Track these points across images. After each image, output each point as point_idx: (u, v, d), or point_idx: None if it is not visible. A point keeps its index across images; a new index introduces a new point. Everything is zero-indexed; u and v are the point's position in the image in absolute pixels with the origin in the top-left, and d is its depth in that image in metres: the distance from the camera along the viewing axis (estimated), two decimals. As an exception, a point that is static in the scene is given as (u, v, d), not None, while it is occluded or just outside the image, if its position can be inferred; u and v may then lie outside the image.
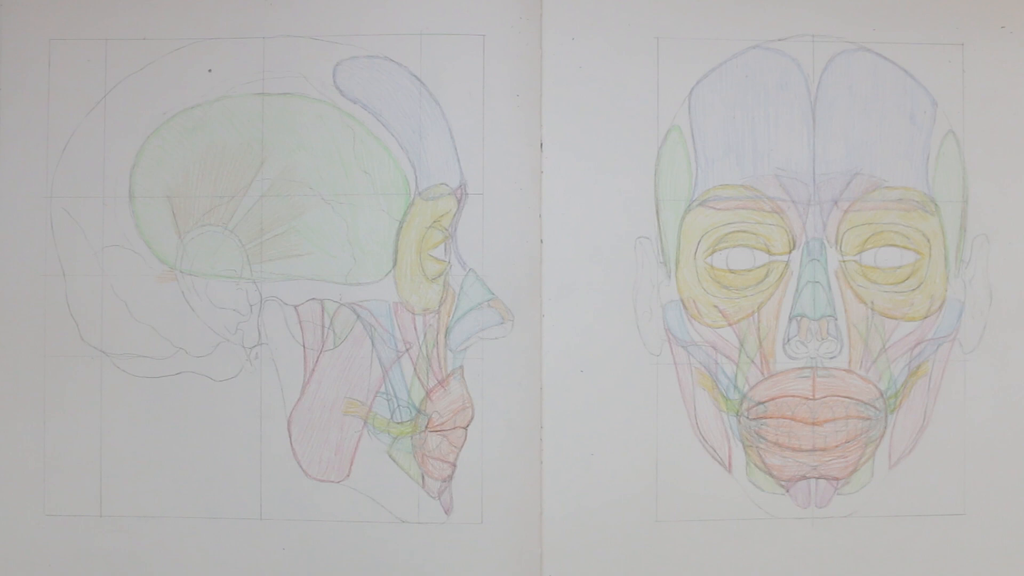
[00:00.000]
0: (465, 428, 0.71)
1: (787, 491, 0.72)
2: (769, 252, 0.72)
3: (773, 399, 0.71)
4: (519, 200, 0.71)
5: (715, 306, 0.72)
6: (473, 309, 0.71)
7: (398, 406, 0.71)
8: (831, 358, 0.71)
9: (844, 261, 0.72)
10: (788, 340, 0.71)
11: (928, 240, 0.72)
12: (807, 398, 0.71)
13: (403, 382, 0.71)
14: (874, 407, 0.72)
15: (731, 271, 0.72)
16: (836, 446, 0.71)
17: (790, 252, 0.72)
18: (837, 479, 0.71)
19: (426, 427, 0.71)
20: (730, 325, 0.72)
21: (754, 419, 0.71)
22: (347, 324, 0.71)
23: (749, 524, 0.70)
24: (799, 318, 0.71)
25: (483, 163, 0.71)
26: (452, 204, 0.71)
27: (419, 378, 0.71)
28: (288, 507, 0.71)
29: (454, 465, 0.71)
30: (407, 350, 0.71)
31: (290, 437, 0.71)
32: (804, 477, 0.71)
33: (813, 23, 0.72)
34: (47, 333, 0.72)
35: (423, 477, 0.71)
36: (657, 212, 0.72)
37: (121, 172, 0.72)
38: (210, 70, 0.72)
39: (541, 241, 0.71)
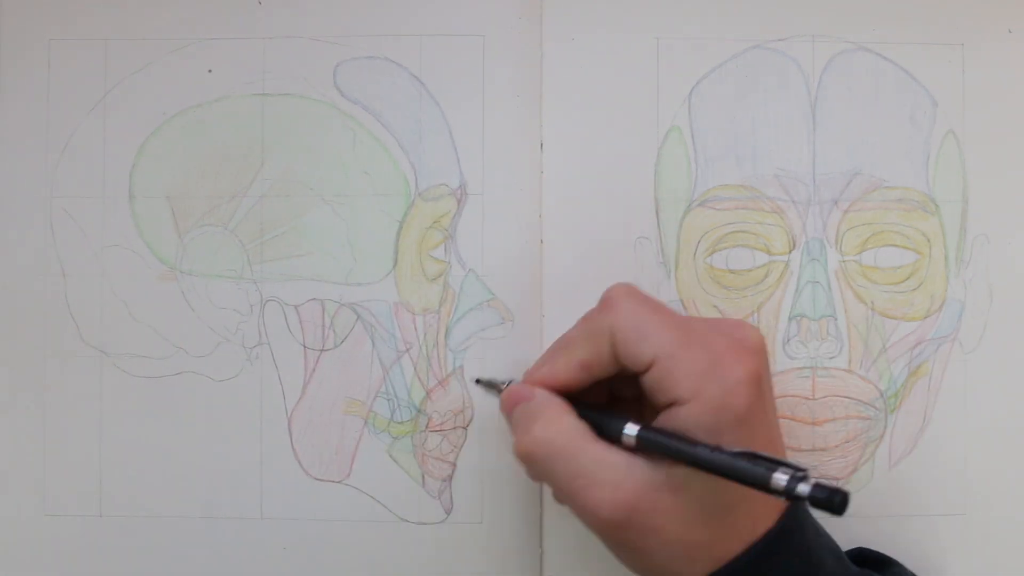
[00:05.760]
0: (465, 428, 0.71)
1: (787, 491, 0.71)
2: (769, 252, 0.72)
3: (773, 399, 0.71)
4: (519, 200, 0.71)
5: (715, 306, 0.72)
6: (473, 309, 0.71)
7: (398, 406, 0.71)
8: (831, 358, 0.71)
9: (844, 261, 0.72)
10: (788, 340, 0.71)
11: (928, 240, 0.72)
12: (807, 398, 0.71)
13: (403, 382, 0.71)
14: (874, 407, 0.72)
15: (731, 271, 0.72)
16: (836, 446, 0.71)
17: (790, 252, 0.72)
18: (837, 479, 0.71)
19: (426, 427, 0.71)
20: (730, 325, 0.71)
21: (754, 419, 0.71)
22: (347, 324, 0.71)
23: (749, 524, 0.70)
24: (799, 318, 0.71)
25: (483, 163, 0.71)
26: (452, 204, 0.71)
27: (419, 378, 0.71)
28: (289, 506, 0.71)
29: (454, 465, 0.71)
30: (407, 350, 0.71)
31: (291, 437, 0.71)
32: (804, 477, 0.71)
33: (813, 23, 0.72)
34: (47, 333, 0.72)
35: (423, 477, 0.71)
36: (657, 212, 0.72)
37: (121, 172, 0.72)
38: (210, 70, 0.72)
39: (541, 241, 0.71)
